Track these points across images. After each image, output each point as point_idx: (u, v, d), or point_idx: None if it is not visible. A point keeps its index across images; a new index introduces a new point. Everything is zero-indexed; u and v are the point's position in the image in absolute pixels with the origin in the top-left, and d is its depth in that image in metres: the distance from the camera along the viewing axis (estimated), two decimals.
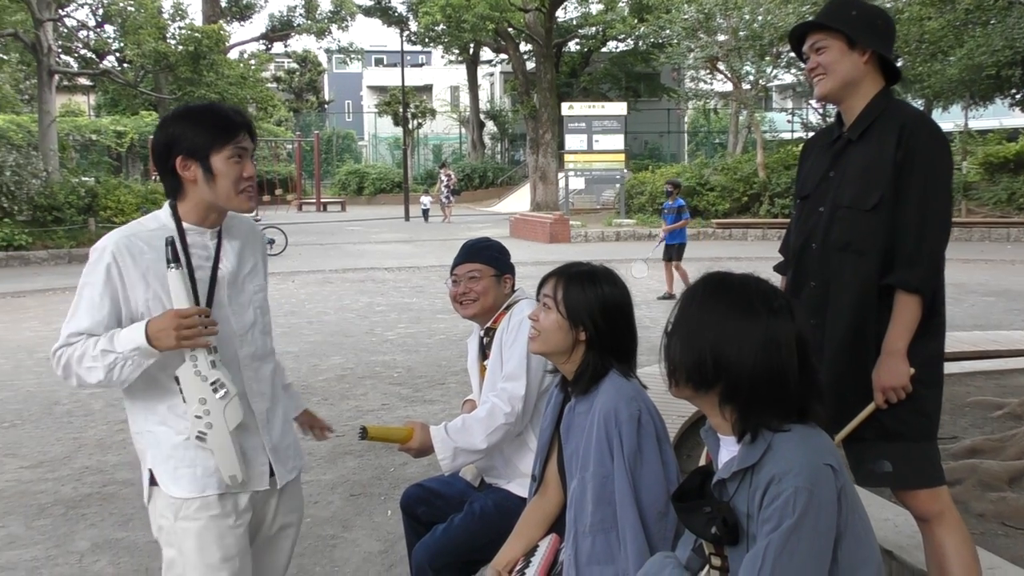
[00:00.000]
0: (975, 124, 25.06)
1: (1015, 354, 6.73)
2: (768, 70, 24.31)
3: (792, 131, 37.54)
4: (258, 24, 55.79)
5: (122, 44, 22.53)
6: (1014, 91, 20.78)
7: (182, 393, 2.27)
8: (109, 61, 24.26)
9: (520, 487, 2.99)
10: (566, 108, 25.91)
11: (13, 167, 17.87)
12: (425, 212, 29.30)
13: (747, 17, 22.48)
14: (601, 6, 32.86)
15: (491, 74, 46.40)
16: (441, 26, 29.43)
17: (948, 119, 25.36)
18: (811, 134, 27.16)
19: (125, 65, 23.49)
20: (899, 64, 2.67)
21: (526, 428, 2.97)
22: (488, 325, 3.11)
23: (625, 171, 25.88)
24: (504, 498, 2.98)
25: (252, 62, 26.54)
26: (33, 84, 23.98)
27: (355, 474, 5.29)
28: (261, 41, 29.40)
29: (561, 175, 27.88)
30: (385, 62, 57.38)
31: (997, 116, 27.80)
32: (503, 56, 35.16)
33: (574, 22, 35.31)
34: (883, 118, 2.57)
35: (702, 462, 2.01)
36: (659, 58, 27.92)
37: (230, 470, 2.31)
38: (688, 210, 12.89)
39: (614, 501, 2.17)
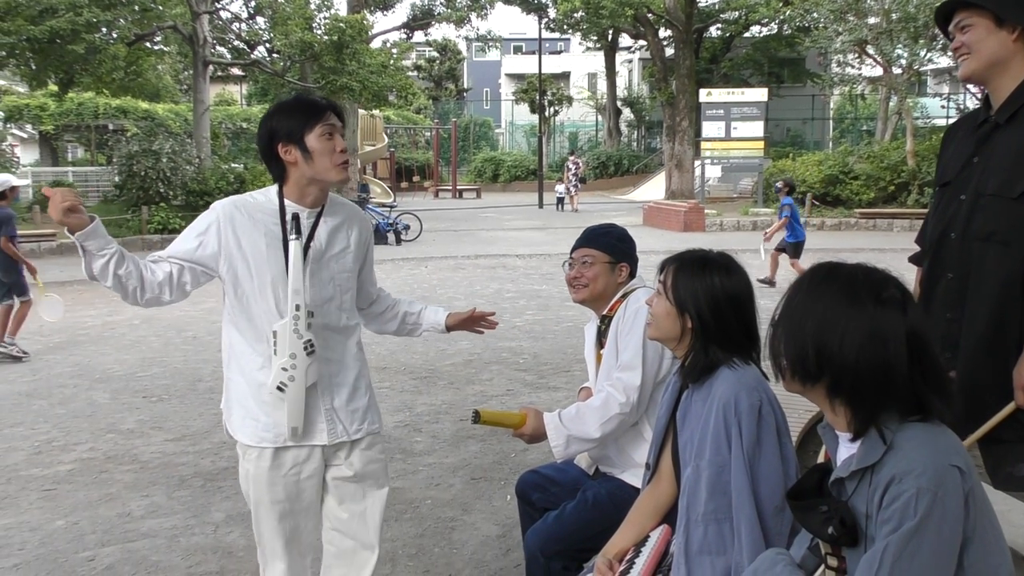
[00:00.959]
0: None
1: None
2: (922, 53, 23.04)
3: (947, 117, 35.61)
4: (400, 13, 56.65)
5: (271, 35, 23.39)
6: None
7: (275, 345, 2.57)
8: (259, 51, 25.19)
9: (634, 477, 2.94)
10: (704, 95, 25.35)
11: (169, 154, 18.86)
12: (560, 200, 28.70)
13: None
14: None
15: (629, 61, 45.87)
16: (580, 13, 29.27)
17: None
18: None
19: (274, 55, 24.37)
20: None
21: (641, 418, 2.92)
22: (604, 313, 3.07)
23: (764, 159, 25.16)
24: (617, 487, 2.95)
25: (393, 51, 27.08)
26: (190, 75, 25.20)
27: (477, 458, 5.35)
28: (402, 30, 29.93)
29: (697, 163, 27.36)
30: (524, 50, 57.58)
31: None
32: (642, 43, 34.71)
33: (716, 6, 34.46)
34: None
35: (820, 459, 1.92)
36: (804, 42, 26.95)
37: (295, 421, 2.61)
38: (788, 208, 12.55)
39: (729, 491, 2.11)
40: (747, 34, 36.63)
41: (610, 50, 41.00)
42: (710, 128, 24.97)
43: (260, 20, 25.31)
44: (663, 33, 31.25)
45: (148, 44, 23.99)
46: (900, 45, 22.68)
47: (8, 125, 29.94)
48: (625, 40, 39.82)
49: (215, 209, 2.65)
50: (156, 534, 4.32)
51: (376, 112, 32.17)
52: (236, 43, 25.55)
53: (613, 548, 2.47)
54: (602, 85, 45.07)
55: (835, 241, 18.15)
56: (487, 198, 36.27)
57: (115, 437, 5.91)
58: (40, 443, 5.79)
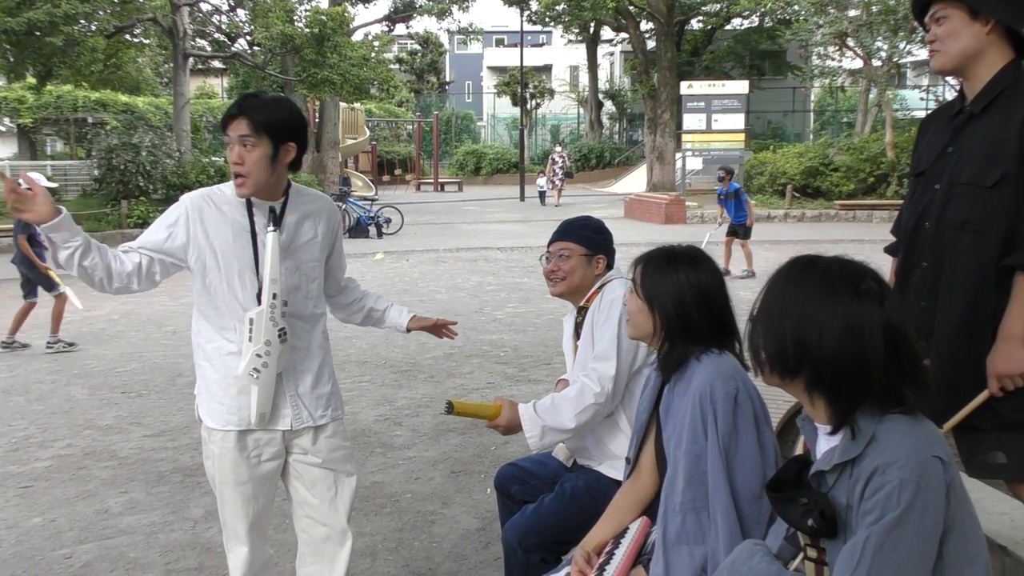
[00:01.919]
0: None
1: None
2: (902, 46, 23.16)
3: (926, 109, 35.82)
4: (381, 6, 56.53)
5: (252, 27, 23.24)
6: None
7: (251, 332, 2.60)
8: (240, 44, 25.07)
9: (611, 469, 2.95)
10: (685, 87, 25.42)
11: (149, 147, 18.70)
12: (542, 195, 28.19)
13: None
14: None
15: (611, 54, 45.87)
16: (562, 5, 29.27)
17: None
18: None
19: (255, 48, 24.22)
20: None
21: (618, 410, 2.93)
22: (581, 304, 3.07)
23: (746, 151, 25.24)
24: (595, 479, 2.95)
25: (375, 44, 26.98)
26: (169, 68, 25.02)
27: (457, 452, 5.34)
28: (384, 23, 29.82)
29: (678, 155, 27.40)
30: (505, 42, 57.50)
31: None
32: (623, 35, 34.68)
33: None
34: (1010, 91, 2.39)
35: (799, 450, 1.93)
36: (785, 35, 27.03)
37: (263, 407, 2.67)
38: (744, 192, 13.50)
39: (707, 481, 2.11)
40: (728, 27, 36.70)
41: (592, 43, 40.99)
42: (691, 120, 25.04)
43: (241, 13, 25.14)
44: (645, 26, 31.30)
45: (128, 36, 23.76)
46: (880, 37, 22.80)
47: None
48: (607, 33, 39.82)
49: (184, 201, 2.70)
50: (134, 531, 4.30)
51: (357, 105, 32.03)
52: (216, 36, 25.39)
53: (592, 540, 2.48)
54: (584, 78, 45.06)
55: (815, 232, 18.25)
56: (469, 191, 36.21)
57: (93, 433, 5.87)
58: (17, 440, 5.75)
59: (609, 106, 44.38)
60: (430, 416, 6.09)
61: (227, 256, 2.65)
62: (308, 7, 23.12)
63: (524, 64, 33.62)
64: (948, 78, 21.55)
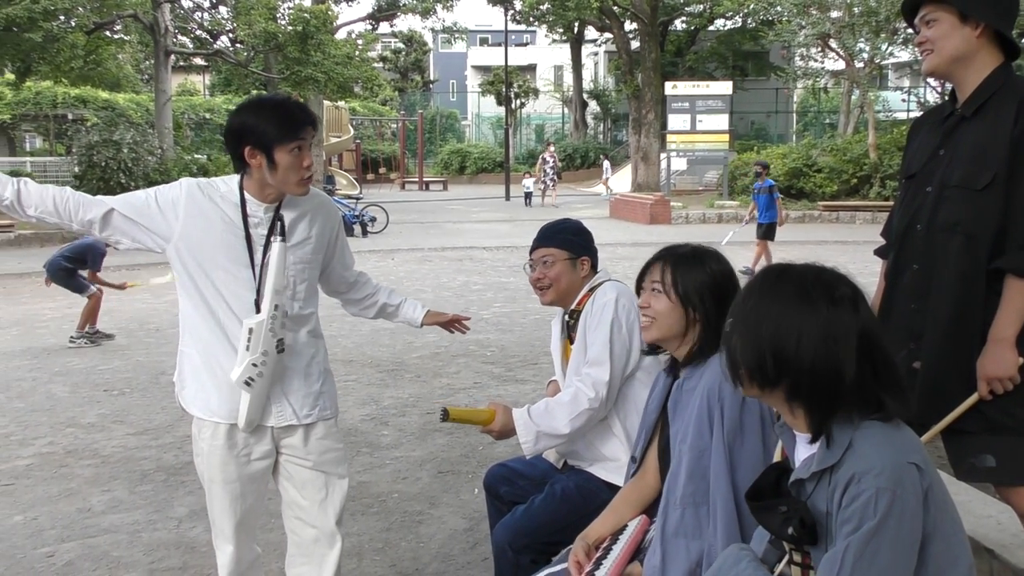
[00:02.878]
0: None
1: None
2: (884, 47, 23.30)
3: (908, 111, 36.09)
4: (365, 4, 56.33)
5: (234, 25, 23.11)
6: None
7: (249, 342, 2.57)
8: (222, 42, 24.91)
9: (602, 470, 2.94)
10: (669, 87, 25.47)
11: (131, 144, 18.60)
12: (528, 196, 27.75)
13: None
14: None
15: (595, 53, 45.94)
16: (546, 5, 29.25)
17: None
18: None
19: (237, 45, 24.09)
20: None
21: (611, 413, 2.92)
22: (572, 307, 3.05)
23: (729, 152, 25.33)
24: (586, 480, 2.94)
25: (359, 42, 26.88)
26: (151, 64, 24.86)
27: (444, 452, 5.32)
28: (368, 21, 29.72)
29: (663, 156, 27.47)
30: (490, 41, 57.51)
31: None
32: (607, 35, 34.75)
33: (681, 0, 34.66)
34: (1000, 94, 2.39)
35: (777, 457, 1.91)
36: (768, 36, 27.16)
37: (253, 415, 2.65)
38: (778, 190, 13.35)
39: (708, 476, 2.11)
40: (711, 27, 36.83)
41: (576, 43, 41.07)
42: (676, 121, 25.10)
43: (223, 9, 25.03)
44: (629, 26, 31.36)
45: (108, 33, 23.59)
46: (862, 39, 22.92)
47: None
48: (591, 33, 39.88)
49: (182, 186, 2.67)
50: (117, 529, 4.25)
51: (341, 103, 31.97)
52: (198, 33, 25.24)
53: (593, 533, 2.48)
54: (568, 78, 45.15)
55: (799, 234, 18.31)
56: (453, 190, 36.18)
57: (75, 431, 5.81)
58: None
59: (593, 106, 44.47)
60: (417, 416, 6.06)
61: (217, 251, 2.63)
62: (291, 5, 23.02)
63: (508, 63, 33.63)
64: (931, 80, 21.57)
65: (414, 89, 52.38)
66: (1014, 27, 2.49)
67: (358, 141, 38.38)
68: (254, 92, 32.00)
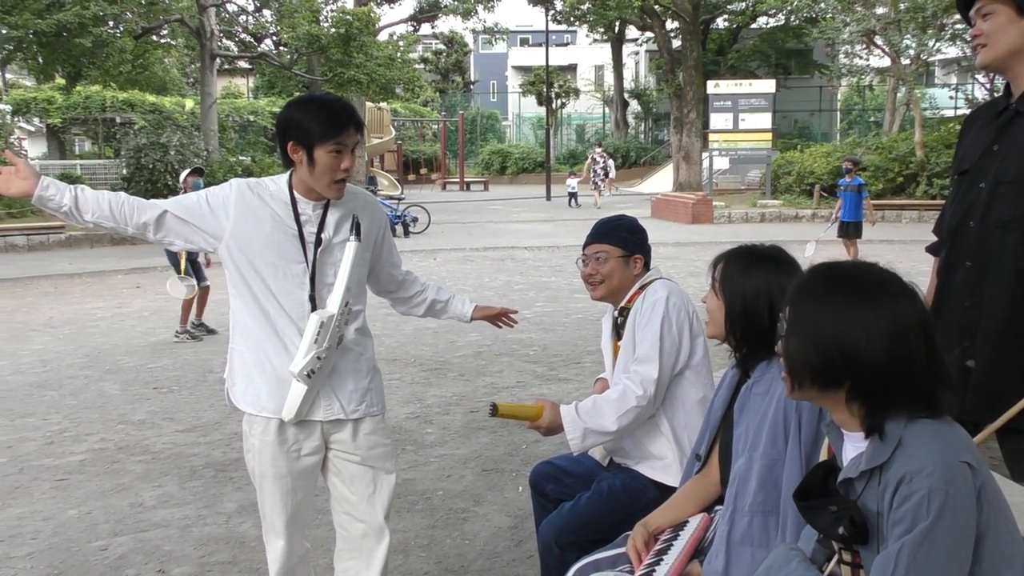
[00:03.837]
0: None
1: None
2: (930, 43, 22.92)
3: (955, 108, 35.48)
4: (407, 6, 56.73)
5: (278, 28, 23.37)
6: None
7: (318, 335, 2.61)
8: (266, 44, 25.25)
9: (649, 468, 2.94)
10: (712, 86, 25.29)
11: (177, 146, 18.89)
12: (572, 196, 27.32)
13: None
14: None
15: (636, 53, 45.75)
16: (587, 4, 29.20)
17: None
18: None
19: (281, 48, 24.38)
20: None
21: (658, 412, 2.91)
22: (622, 305, 3.05)
23: (772, 151, 25.08)
24: (632, 478, 2.94)
25: (400, 43, 27.05)
26: (196, 68, 25.21)
27: (488, 450, 5.34)
28: (409, 23, 29.92)
29: (705, 155, 27.27)
30: (530, 42, 57.54)
31: None
32: (649, 34, 34.58)
33: None
34: None
35: (823, 456, 1.89)
36: (812, 33, 26.83)
37: (301, 408, 2.68)
38: (867, 189, 13.02)
39: (779, 485, 2.09)
40: (753, 25, 36.50)
41: (617, 42, 40.90)
42: (718, 120, 24.91)
43: (267, 13, 25.32)
44: (670, 25, 31.17)
45: (155, 37, 23.98)
46: (908, 35, 22.56)
47: (16, 119, 29.93)
48: (631, 32, 39.72)
49: (232, 186, 2.73)
50: (168, 524, 4.33)
51: (383, 105, 32.16)
52: (243, 36, 25.56)
53: (653, 522, 2.48)
54: (609, 77, 44.99)
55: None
56: (494, 190, 36.24)
57: (126, 428, 5.92)
58: (52, 433, 5.81)
59: (635, 105, 44.27)
60: (460, 414, 6.09)
61: (267, 249, 2.67)
62: (334, 7, 23.24)
63: (549, 63, 33.59)
64: (979, 76, 21.15)
65: (455, 90, 52.56)
66: None
67: (400, 142, 38.59)
68: (297, 94, 32.50)
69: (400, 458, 5.19)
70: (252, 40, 25.13)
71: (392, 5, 29.92)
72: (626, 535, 2.52)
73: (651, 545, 2.40)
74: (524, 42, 58.07)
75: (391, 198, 21.57)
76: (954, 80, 38.28)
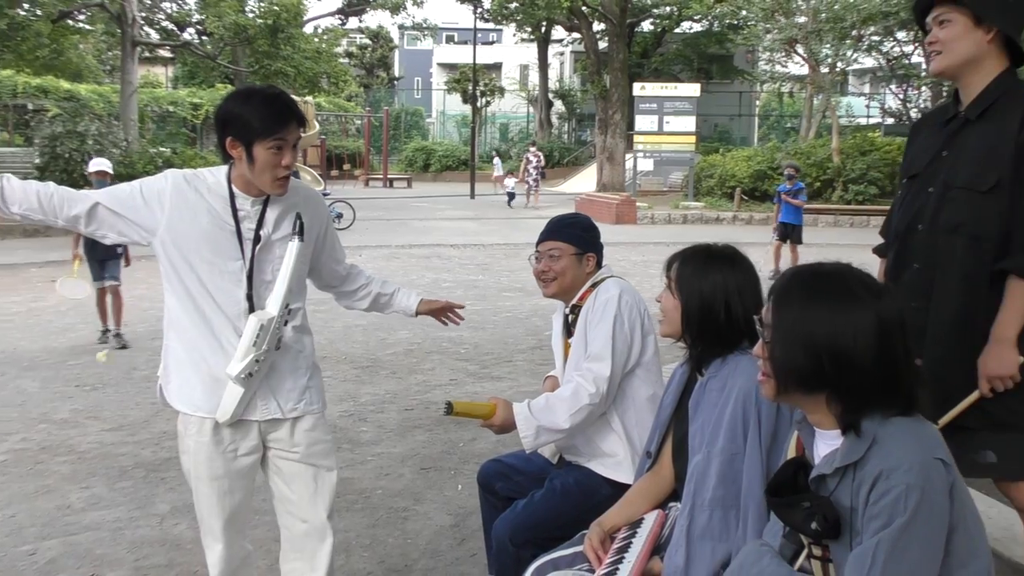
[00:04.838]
0: None
1: None
2: (848, 53, 23.64)
3: (868, 116, 36.63)
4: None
5: (203, 16, 22.83)
6: None
7: (257, 337, 2.56)
8: (189, 33, 24.63)
9: (601, 466, 2.96)
10: (638, 88, 25.59)
11: (96, 136, 18.31)
12: (511, 196, 26.79)
13: None
14: None
15: (561, 53, 46.04)
16: (515, 3, 29.26)
17: None
18: (889, 120, 26.42)
19: (205, 38, 23.81)
20: None
21: (610, 409, 2.94)
22: (574, 302, 3.07)
23: (695, 153, 25.52)
24: (586, 476, 2.96)
25: (326, 36, 26.69)
26: (114, 55, 24.46)
27: (425, 448, 5.32)
28: (337, 15, 29.53)
29: (629, 156, 27.57)
30: (456, 39, 57.38)
31: None
32: (575, 35, 34.81)
33: (649, 1, 34.82)
34: (1006, 98, 2.45)
35: (792, 453, 1.94)
36: (734, 40, 27.41)
37: (236, 409, 2.62)
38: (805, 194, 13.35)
39: (739, 480, 2.13)
40: (678, 30, 37.06)
41: (543, 42, 41.08)
42: (643, 122, 25.21)
43: (191, 1, 24.71)
44: (597, 26, 31.44)
45: (72, 22, 23.19)
46: (827, 45, 23.21)
47: None
48: (558, 32, 39.93)
49: (168, 178, 2.63)
50: (99, 526, 4.20)
51: (309, 98, 31.65)
52: (165, 24, 24.90)
53: (608, 521, 2.51)
54: (534, 77, 45.14)
55: (763, 235, 18.49)
56: (418, 188, 36.01)
57: (48, 427, 5.72)
58: None
59: (559, 105, 44.52)
60: (395, 412, 6.05)
61: (202, 244, 2.60)
62: None
63: (476, 62, 33.55)
64: (891, 86, 21.77)
65: (379, 85, 52.09)
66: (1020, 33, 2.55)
67: (323, 137, 38.08)
68: (219, 86, 31.78)
69: (337, 456, 5.11)
70: (175, 28, 24.49)
71: None
72: (583, 534, 2.55)
73: (607, 544, 2.42)
74: (450, 39, 57.88)
75: None
76: (867, 89, 39.54)
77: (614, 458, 2.94)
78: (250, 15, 21.31)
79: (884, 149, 23.19)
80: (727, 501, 2.15)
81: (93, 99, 27.93)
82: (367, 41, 51.84)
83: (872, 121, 34.38)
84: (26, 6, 19.02)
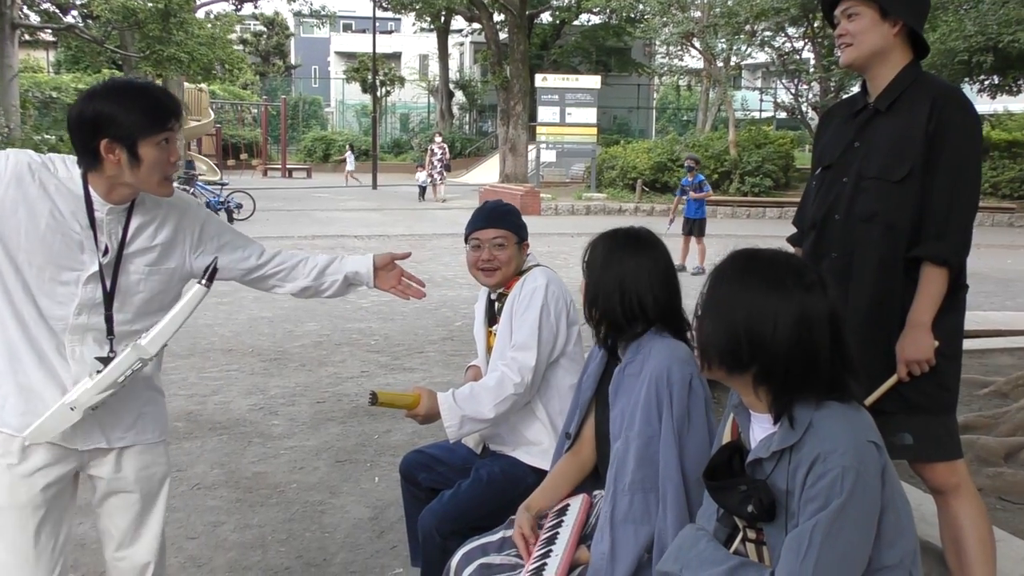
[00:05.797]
0: None
1: (993, 334, 6.83)
2: (742, 48, 24.28)
3: (761, 110, 37.73)
4: None
5: None
6: (983, 77, 20.94)
7: (126, 376, 2.26)
8: (74, 16, 23.59)
9: (525, 454, 2.97)
10: (539, 80, 25.74)
11: None
12: (422, 190, 25.98)
13: None
14: None
15: (461, 44, 45.89)
16: None
17: None
18: (782, 113, 27.25)
19: (90, 21, 22.85)
20: None
21: (534, 398, 2.94)
22: (501, 290, 3.06)
23: (597, 145, 25.81)
24: (511, 465, 2.96)
25: (219, 22, 25.91)
26: None
27: (339, 440, 5.24)
28: (231, 1, 28.75)
29: (532, 147, 27.70)
30: (354, 28, 56.62)
31: None
32: (475, 25, 34.77)
33: None
34: (913, 89, 2.54)
35: (727, 437, 1.97)
36: (632, 32, 27.79)
37: (56, 431, 2.28)
38: (708, 184, 13.36)
39: (656, 462, 2.16)
40: (576, 22, 37.37)
41: (443, 32, 40.89)
42: (545, 113, 25.37)
43: None
44: (497, 17, 31.47)
45: None
46: (722, 39, 23.79)
47: None
48: (459, 22, 39.82)
49: (9, 161, 2.24)
50: None
51: (203, 86, 30.81)
52: (46, 6, 23.80)
53: (535, 504, 2.52)
54: (434, 67, 44.93)
55: (663, 226, 18.86)
56: (318, 178, 35.46)
57: None
58: None
59: (460, 96, 44.42)
60: (307, 404, 5.94)
61: (35, 248, 2.25)
62: None
63: (375, 51, 33.19)
64: (783, 81, 22.39)
65: (276, 74, 51.06)
66: (923, 26, 2.64)
67: (218, 125, 37.12)
68: (106, 71, 30.60)
69: (248, 451, 5.02)
70: (57, 11, 23.41)
71: None
72: (512, 519, 2.54)
73: (537, 533, 2.42)
74: (348, 28, 57.07)
75: (213, 183, 20.73)
76: (760, 84, 40.71)
77: (539, 446, 2.95)
78: None
79: (778, 142, 23.93)
80: (646, 484, 2.18)
81: None
82: (262, 28, 50.73)
83: (765, 115, 35.42)
84: None
